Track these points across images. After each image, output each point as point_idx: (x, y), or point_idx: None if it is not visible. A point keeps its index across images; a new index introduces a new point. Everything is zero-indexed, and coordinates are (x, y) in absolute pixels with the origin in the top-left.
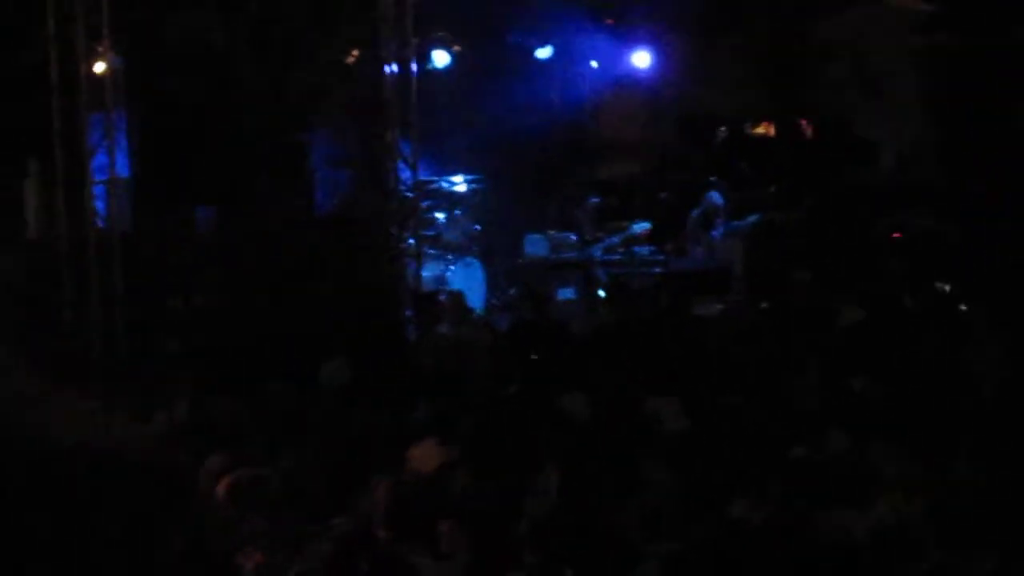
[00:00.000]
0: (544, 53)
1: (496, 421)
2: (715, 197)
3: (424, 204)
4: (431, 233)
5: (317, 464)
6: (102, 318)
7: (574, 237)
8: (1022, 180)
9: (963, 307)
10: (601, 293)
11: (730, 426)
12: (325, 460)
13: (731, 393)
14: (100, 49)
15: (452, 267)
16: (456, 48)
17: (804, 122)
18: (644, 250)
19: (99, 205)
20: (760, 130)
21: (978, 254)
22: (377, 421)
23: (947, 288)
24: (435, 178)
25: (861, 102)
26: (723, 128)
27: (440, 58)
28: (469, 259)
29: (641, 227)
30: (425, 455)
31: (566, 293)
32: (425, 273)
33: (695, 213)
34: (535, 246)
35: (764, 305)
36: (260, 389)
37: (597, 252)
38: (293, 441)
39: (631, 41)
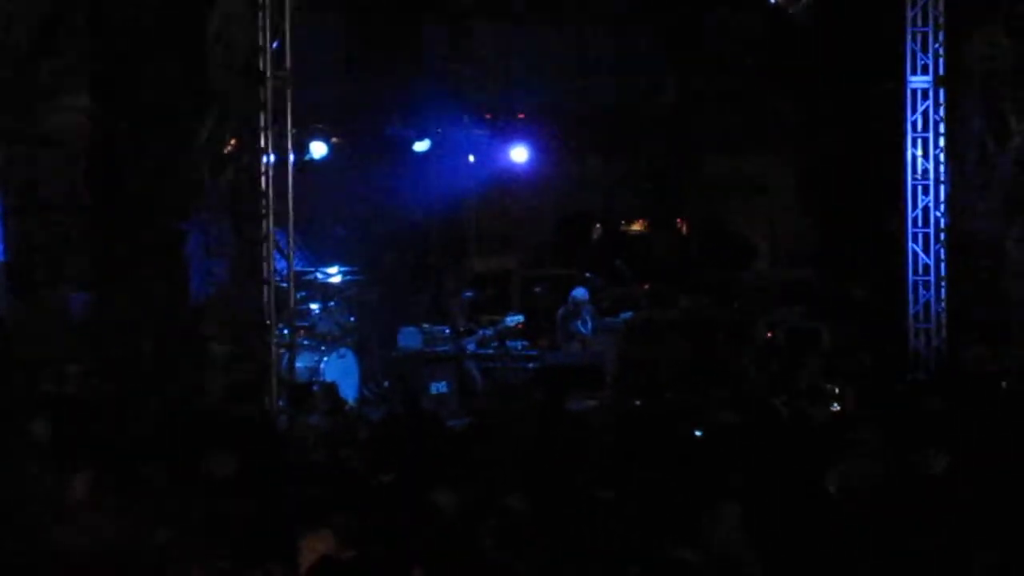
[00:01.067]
0: (422, 146)
1: (367, 514)
2: (580, 293)
3: (299, 295)
4: (305, 324)
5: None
6: None
7: (448, 330)
8: (894, 279)
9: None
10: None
11: (604, 522)
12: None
13: (604, 488)
14: None
15: (326, 358)
16: (334, 139)
17: (680, 220)
18: (517, 344)
19: None
20: (636, 227)
21: (851, 353)
22: (262, 510)
23: (835, 390)
24: (310, 269)
25: (738, 201)
26: (599, 225)
27: (317, 149)
28: (343, 350)
29: (514, 319)
30: (321, 543)
31: (439, 387)
32: (299, 364)
33: (561, 311)
34: (409, 339)
35: (636, 402)
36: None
37: (471, 345)
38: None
39: (509, 136)
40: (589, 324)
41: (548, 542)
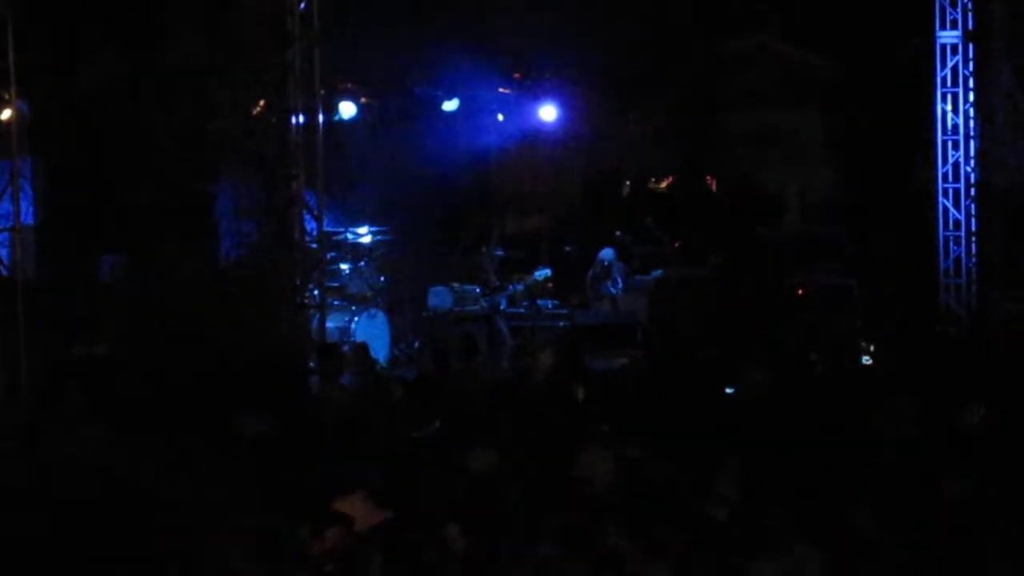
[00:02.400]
0: (451, 106)
1: (402, 475)
2: (607, 254)
3: (329, 255)
4: (336, 284)
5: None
6: (4, 366)
7: (478, 290)
8: (925, 235)
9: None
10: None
11: (634, 478)
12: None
13: (633, 447)
14: (6, 96)
15: (356, 319)
16: (363, 100)
17: (709, 178)
18: (548, 303)
19: (2, 252)
20: (665, 185)
21: (882, 309)
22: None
23: (870, 347)
24: (340, 229)
25: (767, 158)
26: (628, 183)
27: (347, 109)
28: (373, 311)
29: (542, 274)
30: (352, 507)
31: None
32: (329, 324)
33: (590, 273)
34: (439, 298)
35: (666, 360)
36: (168, 439)
37: (502, 303)
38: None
39: (538, 95)
40: (620, 283)
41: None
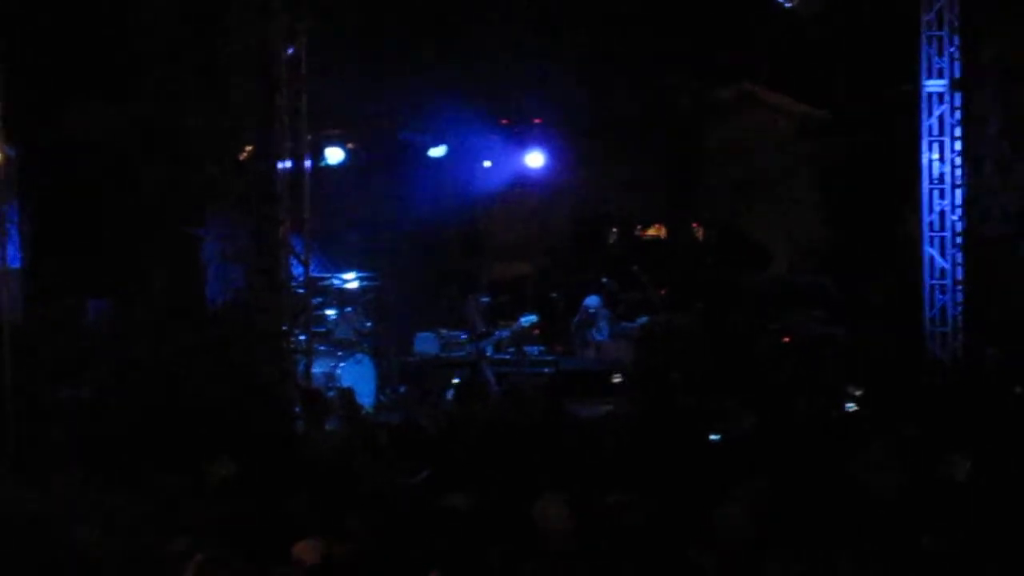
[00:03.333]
0: (438, 151)
1: (383, 519)
2: (593, 301)
3: (315, 300)
4: (322, 329)
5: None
6: None
7: (464, 335)
8: (910, 283)
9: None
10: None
11: (619, 525)
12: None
13: (621, 492)
14: None
15: (342, 364)
16: (350, 145)
17: (696, 225)
18: (534, 349)
19: None
20: (652, 232)
21: (867, 357)
22: (260, 514)
23: (856, 392)
24: (327, 275)
25: (754, 205)
26: (614, 230)
27: (334, 155)
28: (359, 356)
29: (528, 320)
30: (307, 551)
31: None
32: (315, 369)
33: (576, 320)
34: (426, 344)
35: (651, 406)
36: (146, 481)
37: (488, 349)
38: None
39: (525, 141)
40: (605, 330)
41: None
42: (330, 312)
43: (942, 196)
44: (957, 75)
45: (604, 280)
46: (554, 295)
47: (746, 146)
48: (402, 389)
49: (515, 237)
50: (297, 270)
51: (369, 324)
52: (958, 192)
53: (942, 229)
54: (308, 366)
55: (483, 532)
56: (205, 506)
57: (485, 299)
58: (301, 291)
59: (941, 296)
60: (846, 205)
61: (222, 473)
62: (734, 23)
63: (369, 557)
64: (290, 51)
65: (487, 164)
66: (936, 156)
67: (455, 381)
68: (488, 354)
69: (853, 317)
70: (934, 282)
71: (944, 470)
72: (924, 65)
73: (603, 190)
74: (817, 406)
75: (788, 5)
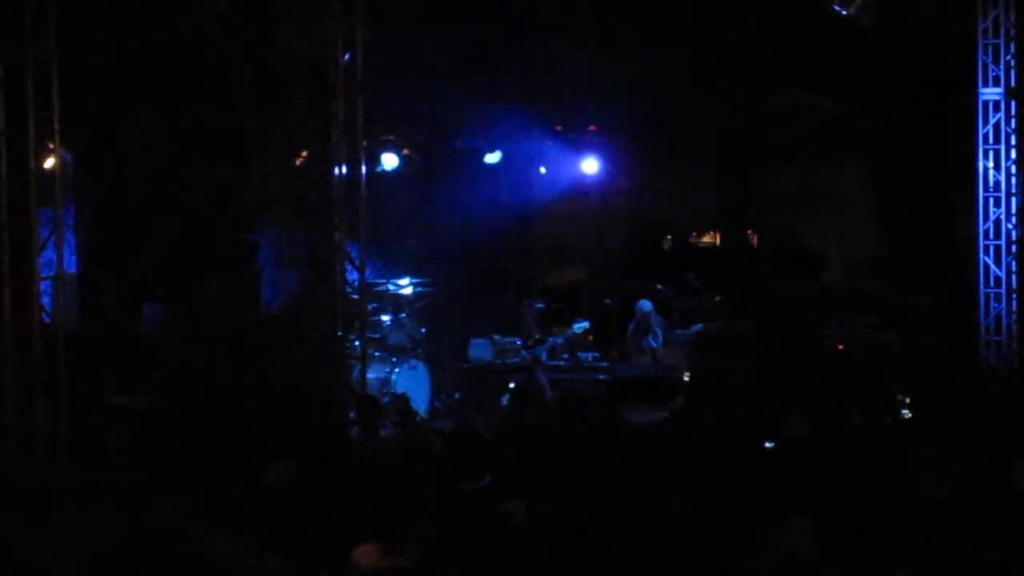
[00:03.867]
0: (493, 158)
1: (443, 527)
2: (645, 305)
3: (370, 306)
4: (376, 335)
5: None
6: (45, 414)
7: (519, 342)
8: (965, 291)
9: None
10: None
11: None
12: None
13: (674, 500)
14: (50, 145)
15: (397, 370)
16: (405, 151)
17: (750, 232)
18: (588, 356)
19: (45, 300)
20: (707, 239)
21: (922, 365)
22: (317, 519)
23: (911, 401)
24: (382, 280)
25: (808, 213)
26: (669, 237)
27: (389, 160)
28: (414, 362)
29: (581, 327)
30: (367, 556)
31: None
32: (370, 375)
33: (632, 326)
34: (480, 350)
35: (708, 414)
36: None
37: (543, 355)
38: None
39: (580, 147)
40: (660, 336)
41: (614, 554)
42: (385, 318)
43: (997, 204)
44: (1013, 83)
45: (659, 287)
46: (608, 301)
47: (801, 153)
48: (456, 395)
49: (569, 243)
50: (352, 275)
51: (423, 330)
52: (1013, 200)
53: (997, 237)
54: (363, 372)
55: (539, 540)
56: (261, 511)
57: (539, 305)
58: (356, 296)
59: (996, 304)
60: (901, 212)
61: (282, 478)
62: (791, 30)
63: (430, 565)
64: (347, 57)
65: (542, 170)
66: (991, 164)
67: (510, 387)
68: (543, 360)
69: (907, 325)
70: (989, 290)
71: (1005, 480)
72: (980, 73)
73: (658, 197)
74: (872, 414)
75: (845, 13)
